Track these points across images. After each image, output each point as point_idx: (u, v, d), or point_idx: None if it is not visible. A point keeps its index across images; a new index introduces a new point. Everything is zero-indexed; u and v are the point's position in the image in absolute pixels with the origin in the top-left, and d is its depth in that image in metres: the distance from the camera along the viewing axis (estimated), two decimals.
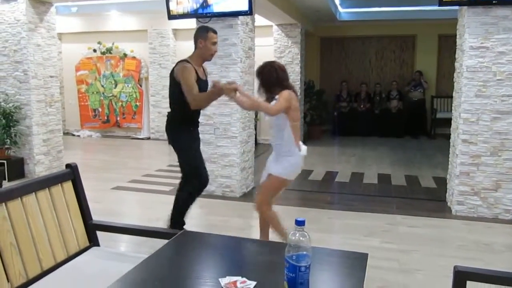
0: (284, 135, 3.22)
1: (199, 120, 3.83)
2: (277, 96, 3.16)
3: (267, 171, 3.37)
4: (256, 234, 4.22)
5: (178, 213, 3.75)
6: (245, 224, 4.49)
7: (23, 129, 6.02)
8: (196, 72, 3.53)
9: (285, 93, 3.14)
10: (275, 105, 3.12)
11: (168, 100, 3.87)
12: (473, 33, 4.39)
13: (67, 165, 2.35)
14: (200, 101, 3.49)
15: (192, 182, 3.72)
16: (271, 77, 3.21)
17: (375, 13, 9.88)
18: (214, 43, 3.59)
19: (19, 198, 2.00)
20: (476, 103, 4.45)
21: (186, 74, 3.46)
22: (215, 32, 3.63)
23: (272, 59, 8.76)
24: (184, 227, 3.75)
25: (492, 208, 4.51)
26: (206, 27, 3.68)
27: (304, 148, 3.29)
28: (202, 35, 3.60)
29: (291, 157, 3.24)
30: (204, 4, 4.98)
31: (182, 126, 3.68)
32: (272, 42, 8.89)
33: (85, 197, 2.40)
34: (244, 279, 1.58)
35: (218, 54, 5.05)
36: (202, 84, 3.58)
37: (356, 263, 1.78)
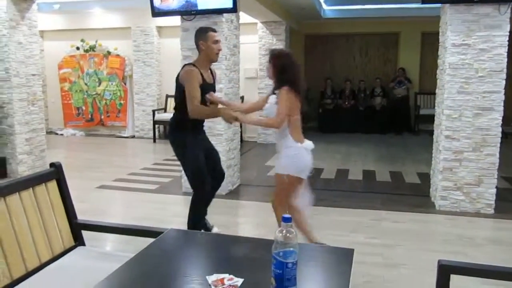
0: (282, 129, 3.11)
1: (204, 124, 3.71)
2: (277, 92, 3.10)
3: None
4: (242, 232, 4.24)
5: (191, 223, 3.63)
6: (231, 222, 4.49)
7: (5, 128, 5.93)
8: (202, 76, 3.45)
9: (283, 92, 3.04)
10: (277, 116, 3.02)
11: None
12: (455, 30, 4.45)
13: (51, 164, 2.33)
14: (199, 113, 3.40)
15: (197, 190, 3.60)
16: (287, 73, 3.09)
17: (359, 11, 9.94)
18: (216, 42, 3.49)
19: (3, 198, 1.97)
20: (459, 100, 4.51)
21: (190, 79, 3.37)
22: (214, 30, 3.54)
23: (257, 56, 8.84)
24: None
25: (475, 203, 4.59)
26: (205, 28, 3.61)
27: (308, 142, 3.15)
28: (201, 36, 3.50)
29: (289, 149, 3.10)
30: (189, 1, 4.96)
31: (186, 130, 3.55)
32: (257, 39, 8.89)
33: (69, 196, 2.38)
34: (232, 276, 1.59)
35: None
36: (208, 88, 3.49)
37: (342, 258, 1.80)
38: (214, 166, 3.72)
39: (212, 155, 3.72)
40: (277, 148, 3.24)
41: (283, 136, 3.13)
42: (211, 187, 3.69)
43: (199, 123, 3.65)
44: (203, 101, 3.43)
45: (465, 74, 4.47)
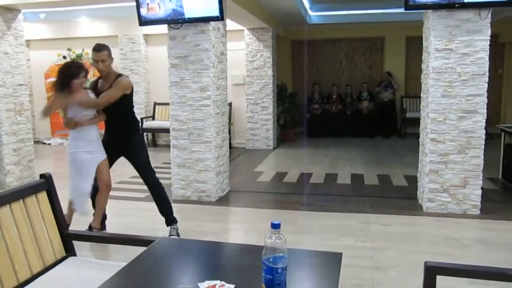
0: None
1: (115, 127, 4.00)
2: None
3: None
4: (232, 238, 4.27)
5: None
6: (222, 228, 4.52)
7: None
8: (96, 84, 3.95)
9: None
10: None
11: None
12: (438, 35, 4.54)
13: (41, 175, 2.33)
14: None
15: None
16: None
17: (344, 16, 10.04)
18: (96, 61, 3.79)
19: None
20: (443, 103, 4.59)
21: None
22: (95, 50, 3.81)
23: (244, 63, 8.90)
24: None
25: (461, 204, 4.66)
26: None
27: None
28: None
29: None
30: (175, 10, 4.98)
31: None
32: (243, 46, 8.94)
33: (60, 207, 2.38)
34: (223, 282, 1.61)
35: (190, 60, 5.11)
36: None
37: (331, 262, 1.83)
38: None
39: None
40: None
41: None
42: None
43: (108, 125, 4.03)
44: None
45: (448, 78, 4.55)
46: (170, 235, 4.01)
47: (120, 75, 3.90)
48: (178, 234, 4.06)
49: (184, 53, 5.14)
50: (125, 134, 3.98)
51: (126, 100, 3.90)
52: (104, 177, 3.94)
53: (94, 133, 3.82)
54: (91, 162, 3.80)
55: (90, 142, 3.78)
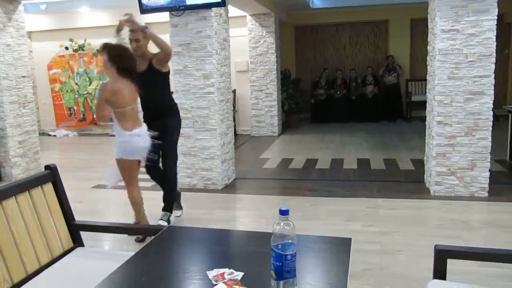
0: (114, 120, 3.52)
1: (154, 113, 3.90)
2: None
3: None
4: (240, 225, 4.27)
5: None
6: (229, 216, 4.51)
7: None
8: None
9: (100, 87, 3.67)
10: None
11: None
12: (444, 16, 4.46)
13: (46, 167, 2.32)
14: None
15: None
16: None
17: (347, 0, 9.92)
18: (130, 41, 3.87)
19: None
20: (449, 85, 4.53)
21: None
22: (130, 30, 3.92)
23: (248, 49, 8.83)
24: None
25: (469, 187, 4.63)
26: None
27: (137, 129, 3.50)
28: None
29: (118, 138, 3.51)
30: None
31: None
32: (246, 32, 8.87)
33: (66, 198, 2.38)
34: (232, 270, 1.60)
35: (193, 47, 5.07)
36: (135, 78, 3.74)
37: (340, 248, 1.82)
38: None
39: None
40: None
41: (115, 126, 3.55)
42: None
43: (149, 108, 3.93)
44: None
45: (455, 59, 4.49)
46: (160, 219, 4.03)
47: (156, 54, 3.91)
48: (168, 222, 4.06)
49: (187, 40, 5.09)
50: (167, 114, 3.96)
51: (167, 80, 3.95)
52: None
53: None
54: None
55: None
